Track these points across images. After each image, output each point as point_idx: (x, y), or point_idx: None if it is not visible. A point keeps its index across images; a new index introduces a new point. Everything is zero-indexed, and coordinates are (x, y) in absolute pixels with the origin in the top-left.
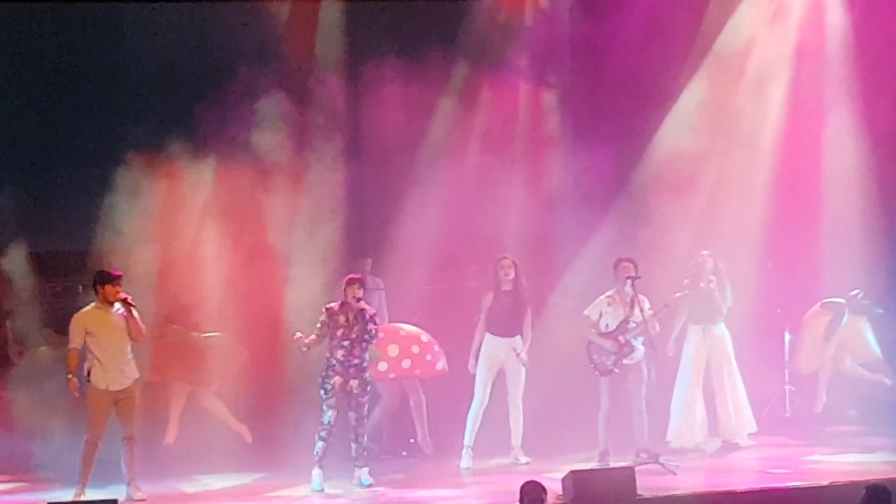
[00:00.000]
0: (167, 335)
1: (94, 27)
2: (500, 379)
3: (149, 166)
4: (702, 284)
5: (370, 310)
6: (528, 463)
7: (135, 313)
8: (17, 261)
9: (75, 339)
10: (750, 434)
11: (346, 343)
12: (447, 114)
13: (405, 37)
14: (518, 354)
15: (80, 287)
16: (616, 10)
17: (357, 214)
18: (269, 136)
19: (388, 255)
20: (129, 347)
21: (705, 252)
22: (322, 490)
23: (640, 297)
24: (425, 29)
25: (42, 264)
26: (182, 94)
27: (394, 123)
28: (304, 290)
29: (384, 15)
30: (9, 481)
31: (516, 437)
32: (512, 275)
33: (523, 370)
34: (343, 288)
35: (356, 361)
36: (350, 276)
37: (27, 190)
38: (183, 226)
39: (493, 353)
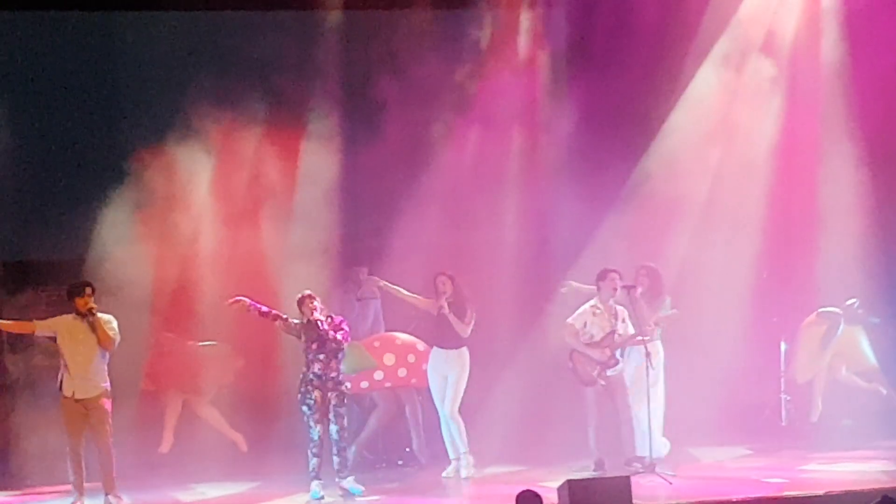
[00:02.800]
0: (162, 344)
1: (88, 35)
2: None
3: (143, 175)
4: (632, 294)
5: (335, 319)
6: (468, 477)
7: (103, 322)
8: (10, 268)
9: (41, 324)
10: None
11: (321, 356)
12: (444, 122)
13: (400, 44)
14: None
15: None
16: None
17: (353, 223)
18: (265, 144)
19: (384, 264)
20: (98, 358)
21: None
22: (322, 497)
23: (621, 308)
24: (420, 37)
25: (35, 272)
26: (177, 103)
27: (391, 132)
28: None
29: (381, 25)
30: (4, 493)
31: (456, 448)
32: (449, 290)
33: (462, 383)
34: (298, 307)
35: (333, 374)
36: (300, 295)
37: (20, 198)
38: (178, 235)
39: (439, 365)
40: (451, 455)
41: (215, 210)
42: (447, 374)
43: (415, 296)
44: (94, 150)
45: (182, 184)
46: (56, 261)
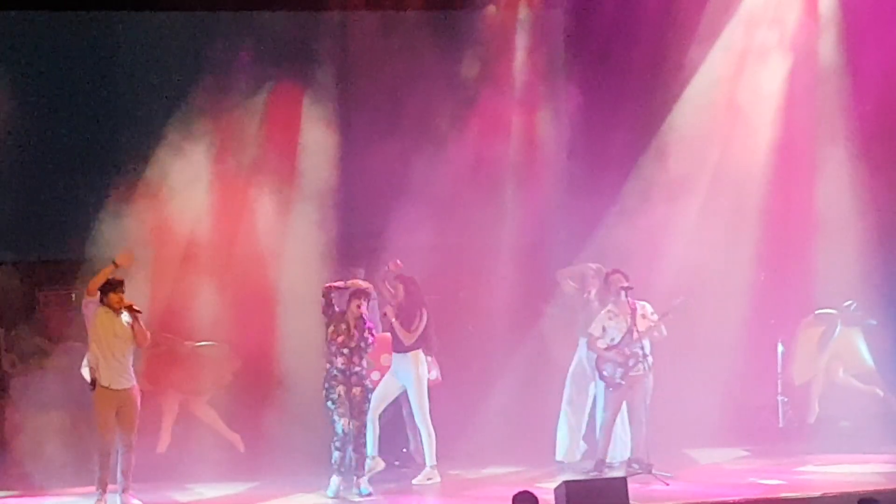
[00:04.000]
0: (160, 344)
1: (87, 36)
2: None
3: (142, 175)
4: (585, 295)
5: (370, 321)
6: (434, 482)
7: (140, 321)
8: (9, 270)
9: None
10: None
11: (345, 350)
12: (441, 122)
13: (397, 46)
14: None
15: (73, 295)
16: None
17: (350, 223)
18: (262, 144)
19: (380, 265)
20: (130, 355)
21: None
22: (338, 496)
23: (641, 303)
24: (418, 39)
25: (34, 273)
26: (176, 103)
27: (387, 131)
28: (297, 300)
29: (379, 26)
30: (5, 492)
31: (429, 456)
32: (401, 294)
33: (424, 387)
34: (348, 298)
35: (356, 369)
36: (357, 288)
37: (19, 198)
38: (176, 235)
39: (396, 370)
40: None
41: (213, 210)
42: (404, 383)
43: None
44: (92, 151)
45: (180, 184)
46: (54, 261)
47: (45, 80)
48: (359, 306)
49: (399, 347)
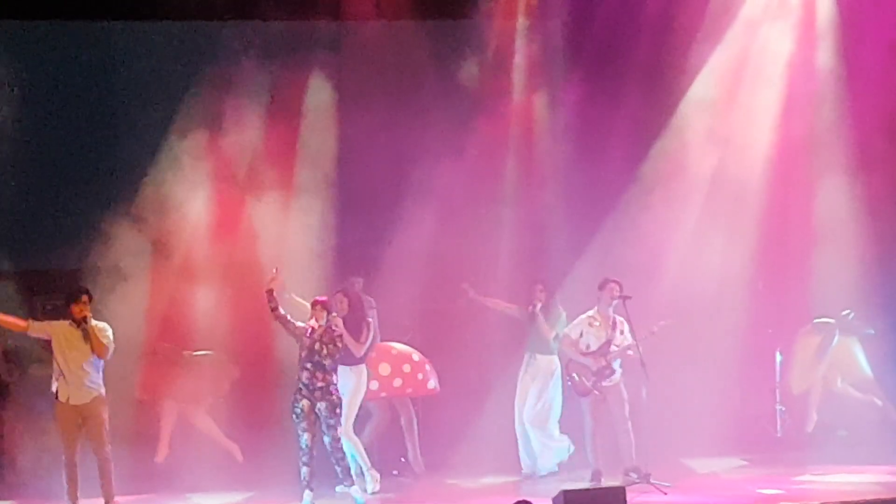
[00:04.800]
0: (158, 353)
1: (85, 45)
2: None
3: (139, 184)
4: (529, 309)
5: (331, 331)
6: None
7: (97, 330)
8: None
9: (36, 325)
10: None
11: (308, 365)
12: (440, 128)
13: (397, 55)
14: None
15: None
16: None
17: (348, 233)
18: (261, 153)
19: (379, 274)
20: (92, 365)
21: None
22: None
23: (620, 319)
24: (417, 47)
25: (33, 282)
26: (174, 112)
27: (385, 140)
28: (295, 309)
29: (379, 36)
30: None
31: (357, 465)
32: (345, 308)
33: (357, 400)
34: (310, 310)
35: (320, 385)
36: (315, 299)
37: (20, 207)
38: (174, 243)
39: (343, 382)
40: (353, 470)
41: (212, 219)
42: (344, 393)
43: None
44: (92, 160)
45: (179, 194)
46: (54, 271)
47: (44, 90)
48: (311, 316)
49: (349, 360)
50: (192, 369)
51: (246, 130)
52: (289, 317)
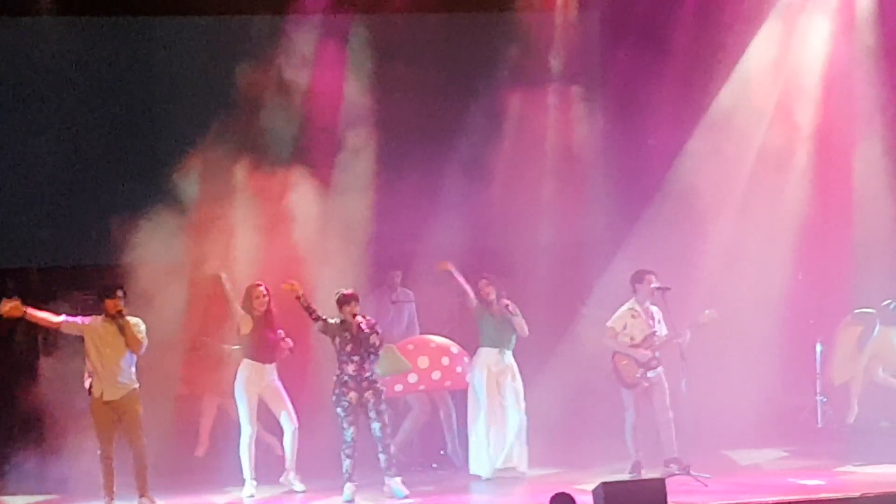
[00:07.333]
0: (198, 348)
1: (119, 41)
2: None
3: (179, 181)
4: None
5: (370, 321)
6: (303, 491)
7: (131, 325)
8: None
9: (70, 322)
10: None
11: (355, 357)
12: (477, 125)
13: (430, 48)
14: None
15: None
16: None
17: (387, 226)
18: (299, 148)
19: (418, 267)
20: (126, 360)
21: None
22: (353, 501)
23: (655, 309)
24: (453, 40)
25: (70, 278)
26: (214, 108)
27: (425, 135)
28: (334, 303)
29: (409, 29)
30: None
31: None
32: (264, 303)
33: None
34: (339, 306)
35: (367, 374)
36: (343, 293)
37: (57, 203)
38: (214, 239)
39: (253, 378)
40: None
41: (251, 214)
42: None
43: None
44: (130, 156)
45: (218, 189)
46: (92, 266)
47: (82, 85)
48: (353, 314)
49: (271, 358)
50: (232, 364)
51: (284, 123)
52: (324, 316)
